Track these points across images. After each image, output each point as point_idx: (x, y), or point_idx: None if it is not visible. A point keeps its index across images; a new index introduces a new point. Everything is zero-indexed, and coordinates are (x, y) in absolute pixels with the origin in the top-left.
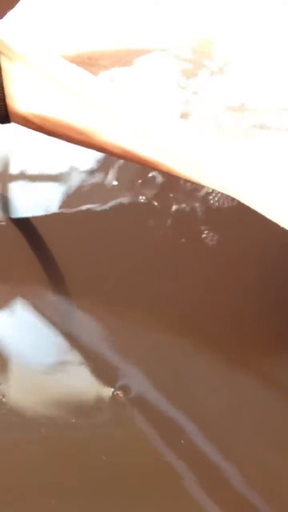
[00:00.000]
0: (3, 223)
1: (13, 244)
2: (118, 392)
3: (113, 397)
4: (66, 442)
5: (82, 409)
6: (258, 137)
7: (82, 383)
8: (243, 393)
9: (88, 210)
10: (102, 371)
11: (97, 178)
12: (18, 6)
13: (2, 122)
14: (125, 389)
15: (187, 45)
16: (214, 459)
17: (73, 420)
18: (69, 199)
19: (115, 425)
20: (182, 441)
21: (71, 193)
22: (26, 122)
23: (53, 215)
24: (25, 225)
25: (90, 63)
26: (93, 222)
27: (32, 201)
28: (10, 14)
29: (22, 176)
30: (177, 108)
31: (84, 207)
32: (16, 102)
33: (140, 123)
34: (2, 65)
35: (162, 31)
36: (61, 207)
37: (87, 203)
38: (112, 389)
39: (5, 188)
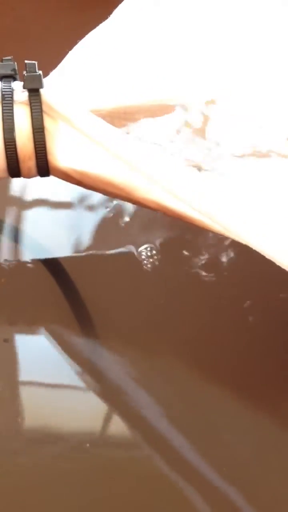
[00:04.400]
0: (32, 263)
1: (42, 284)
2: (138, 430)
3: (134, 435)
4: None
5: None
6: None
7: (103, 415)
8: (270, 438)
9: (116, 251)
10: (126, 409)
11: (128, 219)
12: (60, 66)
13: (42, 176)
14: (147, 428)
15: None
16: (238, 503)
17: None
18: (99, 241)
19: (132, 461)
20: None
21: (100, 234)
22: (66, 176)
23: (82, 256)
24: (54, 265)
25: (125, 117)
26: (121, 264)
27: (62, 242)
28: (53, 74)
29: (52, 217)
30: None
31: (112, 249)
32: (57, 158)
33: (169, 179)
34: (45, 124)
35: (185, 88)
36: (90, 248)
37: (115, 245)
38: (132, 428)
39: (34, 229)
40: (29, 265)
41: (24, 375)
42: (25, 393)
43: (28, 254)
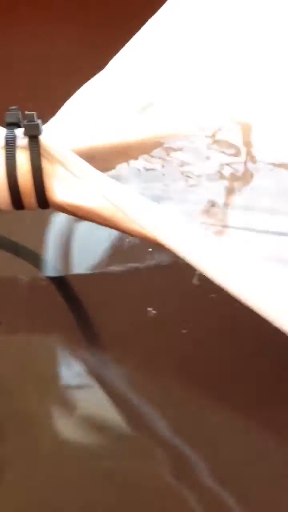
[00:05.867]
0: (40, 281)
1: (49, 301)
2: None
3: (136, 440)
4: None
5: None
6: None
7: (111, 429)
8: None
9: (123, 269)
10: (124, 416)
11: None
12: (59, 113)
13: (42, 208)
14: (147, 434)
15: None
16: (229, 503)
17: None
18: (106, 258)
19: (133, 467)
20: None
21: (108, 253)
22: (62, 209)
23: (90, 274)
24: (61, 283)
25: (124, 153)
26: (128, 282)
27: (69, 260)
28: (52, 120)
29: (57, 234)
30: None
31: (120, 267)
32: (54, 194)
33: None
34: (43, 166)
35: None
36: (98, 266)
37: (123, 263)
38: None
39: (41, 247)
40: (34, 282)
41: (26, 385)
42: (26, 401)
43: (33, 271)
